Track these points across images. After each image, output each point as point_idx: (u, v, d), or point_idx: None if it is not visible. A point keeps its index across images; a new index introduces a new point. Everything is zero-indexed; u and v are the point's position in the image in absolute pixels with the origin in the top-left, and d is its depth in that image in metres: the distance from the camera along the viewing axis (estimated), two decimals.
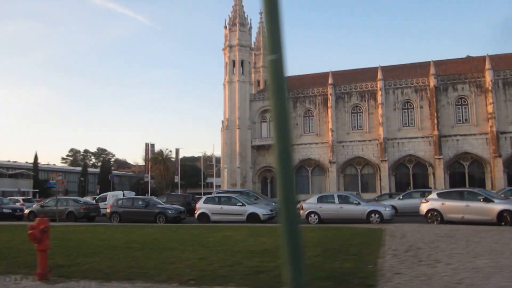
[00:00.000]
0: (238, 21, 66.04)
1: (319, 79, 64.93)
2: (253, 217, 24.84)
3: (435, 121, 55.21)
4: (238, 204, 25.92)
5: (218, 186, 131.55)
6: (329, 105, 60.58)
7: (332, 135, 59.39)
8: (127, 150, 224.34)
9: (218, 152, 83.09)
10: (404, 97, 58.19)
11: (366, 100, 59.81)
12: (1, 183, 79.67)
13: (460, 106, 56.09)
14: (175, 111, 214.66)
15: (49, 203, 31.11)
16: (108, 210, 27.98)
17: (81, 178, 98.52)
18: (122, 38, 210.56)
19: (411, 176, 56.39)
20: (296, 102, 63.12)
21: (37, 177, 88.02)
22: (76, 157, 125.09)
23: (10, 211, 31.59)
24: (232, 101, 64.31)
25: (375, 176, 58.03)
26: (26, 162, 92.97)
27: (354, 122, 60.28)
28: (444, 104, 56.12)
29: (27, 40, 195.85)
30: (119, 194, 38.36)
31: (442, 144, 54.73)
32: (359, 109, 60.31)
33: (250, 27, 67.86)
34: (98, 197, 40.32)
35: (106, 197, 36.43)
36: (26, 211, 30.81)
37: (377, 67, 60.53)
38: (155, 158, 62.47)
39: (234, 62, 65.34)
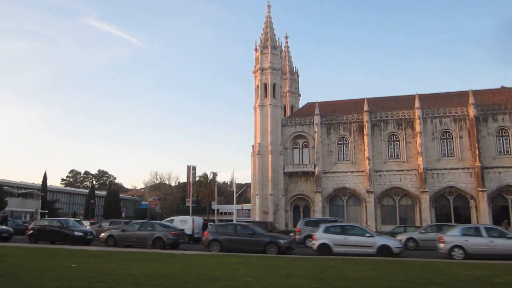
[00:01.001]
0: (270, 43, 64.56)
1: (352, 105, 63.90)
2: (384, 250, 22.31)
3: (477, 152, 54.40)
4: (366, 235, 23.39)
5: (227, 214, 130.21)
6: (365, 132, 59.34)
7: (369, 163, 58.04)
8: (123, 173, 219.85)
9: (239, 177, 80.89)
10: (442, 126, 57.34)
11: (403, 128, 58.79)
12: (9, 203, 75.95)
13: (500, 137, 55.45)
14: (182, 133, 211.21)
15: (131, 227, 27.93)
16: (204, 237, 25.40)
17: (92, 200, 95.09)
18: (115, 59, 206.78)
19: (451, 208, 55.25)
20: (330, 129, 61.75)
21: (45, 197, 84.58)
22: (76, 178, 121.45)
23: (82, 234, 28.38)
24: (264, 125, 62.53)
25: (413, 207, 56.76)
26: (33, 183, 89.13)
27: (391, 151, 59.12)
28: (485, 135, 55.41)
29: (22, 59, 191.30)
30: (187, 219, 35.27)
31: (484, 176, 53.91)
32: (396, 138, 59.21)
33: (281, 51, 66.33)
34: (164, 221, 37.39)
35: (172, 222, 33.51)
36: (103, 234, 27.90)
37: (411, 95, 59.94)
38: (200, 182, 59.25)
39: (265, 85, 63.67)
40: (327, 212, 59.21)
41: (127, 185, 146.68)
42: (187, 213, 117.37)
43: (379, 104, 61.77)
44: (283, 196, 61.09)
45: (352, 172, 59.75)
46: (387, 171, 58.36)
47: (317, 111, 61.66)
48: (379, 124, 59.83)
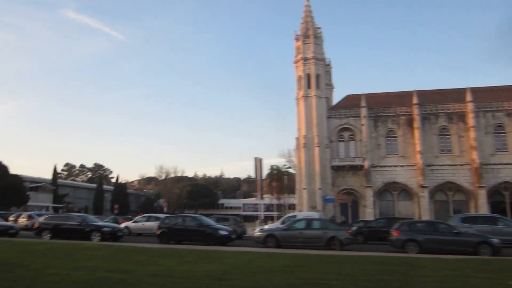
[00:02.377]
0: (312, 33, 61.90)
1: (394, 98, 62.40)
2: None
3: None
4: None
5: (232, 208, 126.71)
6: (415, 126, 57.83)
7: (421, 158, 56.52)
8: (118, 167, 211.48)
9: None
10: (495, 120, 56.64)
11: (455, 122, 57.65)
12: None
13: None
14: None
15: (297, 224, 24.06)
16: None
17: (108, 195, 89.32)
18: (97, 52, 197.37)
19: (508, 204, 54.46)
20: (377, 122, 59.89)
21: (56, 191, 78.63)
22: (71, 172, 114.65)
23: (227, 233, 24.35)
24: (309, 117, 59.85)
25: (467, 203, 55.63)
26: (39, 177, 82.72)
27: (442, 145, 57.86)
28: None
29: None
30: (312, 214, 31.37)
31: None
32: (447, 132, 58.01)
33: (322, 40, 63.73)
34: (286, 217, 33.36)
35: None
36: (259, 234, 24.24)
37: (460, 88, 58.96)
38: (271, 174, 55.15)
39: (309, 76, 60.99)
40: (377, 207, 57.28)
41: (121, 178, 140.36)
42: (191, 210, 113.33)
43: (426, 97, 60.31)
44: (330, 191, 58.60)
45: (402, 166, 58.11)
46: (439, 165, 57.06)
47: (363, 103, 59.60)
48: (429, 117, 58.46)
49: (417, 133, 57.45)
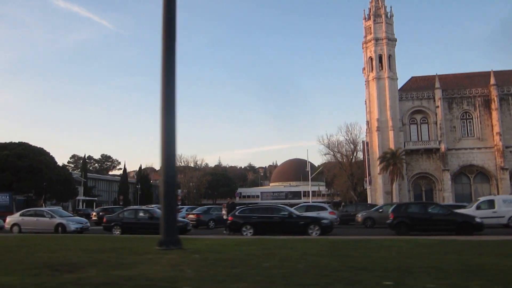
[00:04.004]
0: (383, 12, 59.86)
1: (464, 79, 60.65)
2: None
3: None
4: None
5: (250, 197, 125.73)
6: (493, 107, 56.47)
7: (500, 139, 55.28)
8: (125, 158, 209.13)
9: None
10: None
11: None
12: None
13: None
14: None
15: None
16: None
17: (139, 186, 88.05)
18: (86, 41, 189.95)
19: None
20: (452, 103, 58.41)
21: (86, 183, 77.38)
22: (77, 163, 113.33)
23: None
24: (382, 99, 58.32)
25: None
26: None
27: None
28: None
29: None
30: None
31: None
32: None
33: (393, 20, 61.62)
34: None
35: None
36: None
37: None
38: (383, 157, 52.68)
39: (380, 56, 59.23)
40: (453, 190, 56.21)
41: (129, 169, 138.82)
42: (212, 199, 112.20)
43: (500, 78, 58.64)
44: (405, 175, 57.43)
45: (479, 148, 56.90)
46: None
47: (437, 85, 58.05)
48: (506, 98, 57.03)
49: (495, 114, 56.10)
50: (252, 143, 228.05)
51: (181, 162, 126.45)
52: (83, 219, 27.11)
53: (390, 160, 50.94)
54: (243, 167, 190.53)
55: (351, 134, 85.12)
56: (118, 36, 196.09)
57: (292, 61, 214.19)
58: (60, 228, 23.34)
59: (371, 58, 59.84)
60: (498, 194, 54.62)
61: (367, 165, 59.22)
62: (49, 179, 58.33)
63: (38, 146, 62.89)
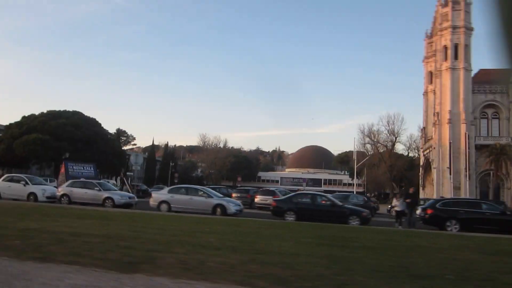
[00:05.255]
0: None
1: None
2: None
3: None
4: None
5: (270, 181, 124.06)
6: None
7: None
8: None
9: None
10: None
11: None
12: None
13: None
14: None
15: None
16: None
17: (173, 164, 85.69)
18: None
19: None
20: None
21: None
22: None
23: None
24: (455, 91, 56.04)
25: None
26: None
27: None
28: None
29: None
30: None
31: None
32: None
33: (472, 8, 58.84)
34: None
35: None
36: None
37: None
38: (491, 152, 49.50)
39: (456, 46, 56.74)
40: None
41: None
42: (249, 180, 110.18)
43: None
44: (474, 171, 55.59)
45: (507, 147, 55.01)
46: None
47: None
48: None
49: None
50: (253, 127, 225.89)
51: (204, 142, 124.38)
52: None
53: (497, 155, 49.00)
54: (251, 150, 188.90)
55: (392, 124, 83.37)
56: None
57: (294, 49, 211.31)
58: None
59: (445, 47, 57.33)
60: None
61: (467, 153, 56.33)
62: (104, 151, 55.86)
63: (91, 117, 60.13)
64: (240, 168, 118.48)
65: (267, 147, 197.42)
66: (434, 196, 54.41)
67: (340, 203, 21.99)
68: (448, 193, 54.51)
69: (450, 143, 55.38)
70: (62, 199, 23.97)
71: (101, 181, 28.63)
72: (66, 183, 25.58)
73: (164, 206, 21.83)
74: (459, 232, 18.53)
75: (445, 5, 58.00)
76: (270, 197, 29.07)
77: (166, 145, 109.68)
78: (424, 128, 69.52)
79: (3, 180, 25.96)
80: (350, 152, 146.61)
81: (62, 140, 51.64)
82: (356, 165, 68.96)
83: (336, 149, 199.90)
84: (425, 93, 69.77)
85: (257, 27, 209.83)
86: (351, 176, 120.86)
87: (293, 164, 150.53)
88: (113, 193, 24.23)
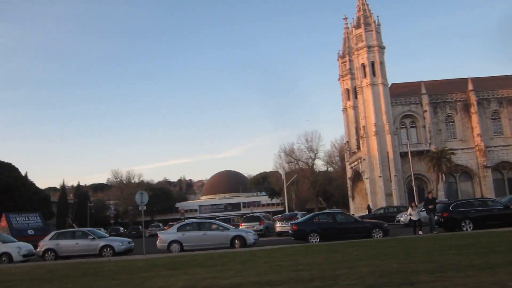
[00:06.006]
0: (373, 20, 62.34)
1: (440, 86, 65.34)
2: None
3: None
4: None
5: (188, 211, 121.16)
6: (472, 110, 61.76)
7: (481, 140, 60.56)
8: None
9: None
10: None
11: (505, 106, 62.70)
12: None
13: None
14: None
15: None
16: None
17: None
18: None
19: None
20: (436, 108, 62.78)
21: None
22: None
23: None
24: (377, 105, 60.38)
25: None
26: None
27: (495, 128, 62.62)
28: None
29: None
30: None
31: None
32: (498, 115, 62.89)
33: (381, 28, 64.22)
34: None
35: None
36: None
37: (510, 75, 64.09)
38: (431, 157, 50.81)
39: (373, 63, 61.44)
40: (444, 189, 59.97)
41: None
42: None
43: (478, 84, 63.56)
44: (401, 177, 60.02)
45: (462, 149, 61.60)
46: (495, 146, 61.75)
47: (423, 90, 62.01)
48: (482, 102, 62.69)
49: (475, 117, 61.33)
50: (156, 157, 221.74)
51: (116, 178, 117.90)
52: None
53: (438, 159, 52.88)
54: (159, 181, 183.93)
55: (311, 141, 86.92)
56: None
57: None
58: None
59: (363, 65, 61.78)
60: (481, 191, 59.83)
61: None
62: (29, 198, 50.35)
63: (6, 161, 53.91)
64: (158, 201, 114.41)
65: (173, 177, 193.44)
66: (371, 205, 57.72)
67: (360, 219, 22.18)
68: (382, 201, 58.13)
69: (378, 153, 59.30)
70: (47, 255, 21.02)
71: (91, 228, 25.57)
72: (49, 236, 22.65)
73: (175, 246, 20.40)
74: (481, 230, 19.63)
75: (357, 26, 62.69)
76: (256, 223, 28.58)
77: (78, 184, 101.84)
78: (347, 142, 73.71)
79: None
80: (265, 173, 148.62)
81: None
82: (286, 183, 69.92)
83: (248, 172, 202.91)
84: (344, 109, 74.30)
85: None
86: (270, 196, 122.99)
87: (209, 191, 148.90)
88: (111, 240, 22.28)
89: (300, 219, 24.51)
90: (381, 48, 62.17)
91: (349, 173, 72.75)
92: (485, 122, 62.21)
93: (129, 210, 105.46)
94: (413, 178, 55.04)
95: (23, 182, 53.18)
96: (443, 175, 56.07)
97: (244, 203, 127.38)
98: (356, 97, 71.85)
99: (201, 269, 12.02)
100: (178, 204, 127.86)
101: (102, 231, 28.35)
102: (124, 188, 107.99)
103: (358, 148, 69.35)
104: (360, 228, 21.43)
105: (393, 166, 59.17)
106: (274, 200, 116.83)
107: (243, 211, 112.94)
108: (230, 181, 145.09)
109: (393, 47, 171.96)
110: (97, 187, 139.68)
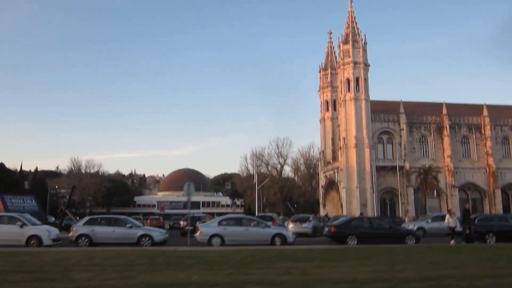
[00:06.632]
0: (360, 38, 64.92)
1: (415, 107, 68.91)
2: None
3: None
4: None
5: (146, 206, 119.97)
6: (445, 133, 65.74)
7: (451, 161, 64.42)
8: None
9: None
10: (503, 133, 67.63)
11: (473, 132, 67.03)
12: None
13: None
14: None
15: None
16: None
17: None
18: None
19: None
20: (412, 127, 66.12)
21: None
22: None
23: None
24: (358, 119, 62.93)
25: (482, 200, 65.80)
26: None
27: (463, 151, 66.78)
28: None
29: None
30: None
31: None
32: (467, 140, 67.17)
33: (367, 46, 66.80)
34: None
35: None
36: None
37: (480, 105, 68.38)
38: (419, 172, 53.02)
39: (358, 79, 63.91)
40: (414, 204, 63.13)
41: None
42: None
43: (452, 110, 67.63)
44: (376, 189, 62.64)
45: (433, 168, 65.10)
46: (462, 168, 65.81)
47: (402, 110, 65.29)
48: (453, 126, 66.75)
49: (446, 139, 65.26)
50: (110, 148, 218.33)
51: (75, 167, 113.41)
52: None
53: (426, 175, 55.49)
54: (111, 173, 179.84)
55: (282, 147, 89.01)
56: None
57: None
58: None
59: (348, 79, 64.07)
60: (447, 207, 63.48)
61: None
62: (2, 180, 48.48)
63: None
64: (117, 193, 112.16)
65: (124, 170, 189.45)
66: (344, 214, 59.81)
67: (394, 226, 23.37)
68: (356, 210, 60.36)
69: (357, 165, 61.65)
70: (80, 240, 20.81)
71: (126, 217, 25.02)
72: (82, 221, 22.30)
73: (216, 240, 20.75)
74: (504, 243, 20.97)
75: (345, 42, 65.00)
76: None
77: (36, 169, 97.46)
78: (323, 151, 75.90)
79: None
80: (226, 175, 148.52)
81: None
82: (258, 186, 70.85)
83: (207, 171, 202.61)
84: (322, 120, 76.55)
85: None
86: (232, 197, 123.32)
87: (166, 187, 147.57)
88: (150, 230, 22.20)
89: (337, 222, 25.30)
90: (366, 65, 64.80)
91: (322, 181, 74.83)
92: (455, 145, 66.23)
93: (90, 200, 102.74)
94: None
95: None
96: (430, 190, 59.12)
97: (203, 202, 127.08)
98: (335, 109, 74.38)
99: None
100: (136, 198, 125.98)
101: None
102: (82, 178, 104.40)
103: (334, 158, 71.70)
104: (395, 233, 22.72)
105: (369, 178, 61.66)
106: (237, 202, 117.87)
107: (202, 210, 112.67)
108: (189, 179, 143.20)
109: (376, 65, 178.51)
110: (47, 174, 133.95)
